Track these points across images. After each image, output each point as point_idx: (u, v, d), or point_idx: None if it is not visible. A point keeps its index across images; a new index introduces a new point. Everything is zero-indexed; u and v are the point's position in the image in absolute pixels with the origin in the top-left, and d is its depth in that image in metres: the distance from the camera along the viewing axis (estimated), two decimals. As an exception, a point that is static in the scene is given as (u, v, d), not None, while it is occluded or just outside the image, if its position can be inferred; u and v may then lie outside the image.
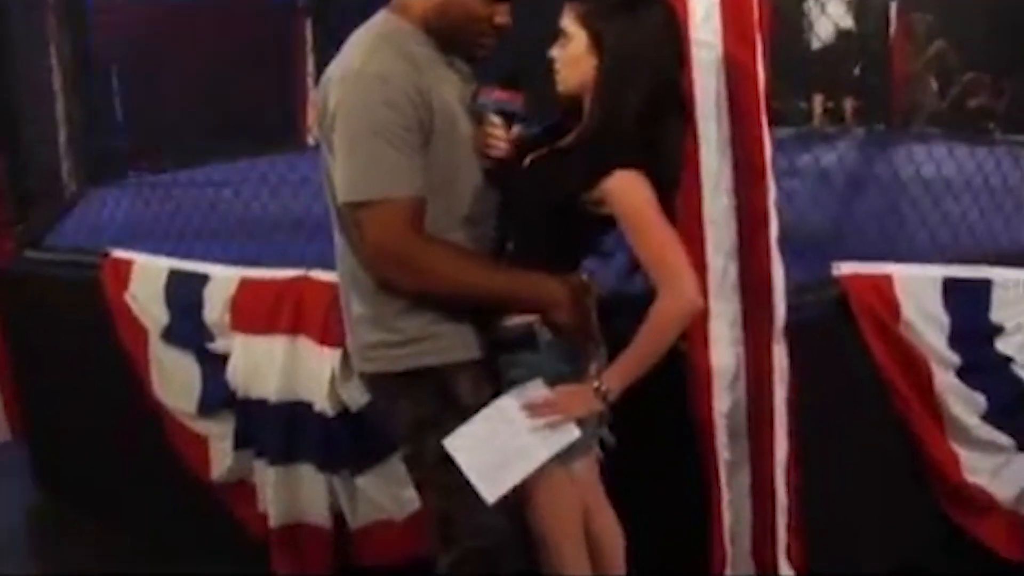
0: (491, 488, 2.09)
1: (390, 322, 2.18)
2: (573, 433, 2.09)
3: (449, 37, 2.18)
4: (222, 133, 7.68)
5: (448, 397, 2.17)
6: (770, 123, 2.44)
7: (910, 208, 3.52)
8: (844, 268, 2.87)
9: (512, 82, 2.23)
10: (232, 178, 5.29)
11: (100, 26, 6.98)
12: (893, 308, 2.84)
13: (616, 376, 2.08)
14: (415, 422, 2.21)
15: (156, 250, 3.73)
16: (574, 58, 2.11)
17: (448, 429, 2.13)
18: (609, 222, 2.09)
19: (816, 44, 8.00)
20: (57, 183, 6.15)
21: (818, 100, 8.47)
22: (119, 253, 3.73)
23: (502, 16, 2.17)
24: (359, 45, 2.13)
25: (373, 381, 2.31)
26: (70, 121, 6.25)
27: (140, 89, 7.99)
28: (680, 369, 2.47)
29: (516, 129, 2.24)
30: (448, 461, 2.11)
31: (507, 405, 2.12)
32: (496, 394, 2.17)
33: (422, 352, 2.17)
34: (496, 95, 2.21)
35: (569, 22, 2.11)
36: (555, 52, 2.14)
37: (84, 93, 6.37)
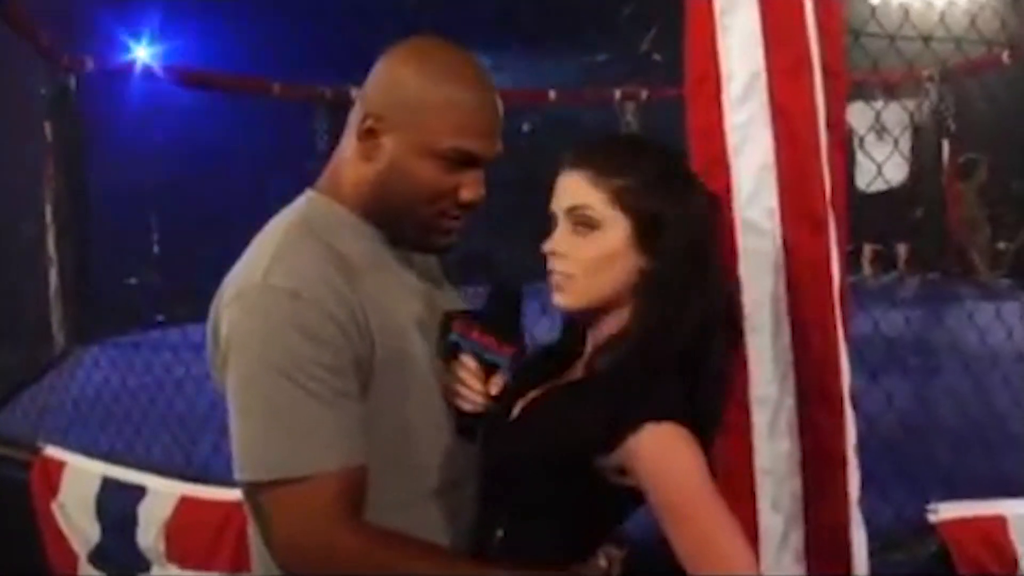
0: None
1: None
2: None
3: (397, 222, 1.53)
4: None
5: None
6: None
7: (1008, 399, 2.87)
8: (943, 511, 2.20)
9: (503, 319, 1.56)
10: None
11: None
12: (1008, 559, 2.20)
13: None
14: None
15: (97, 442, 3.39)
16: (609, 258, 1.44)
17: None
18: (639, 496, 1.42)
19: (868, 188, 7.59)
20: (47, 337, 5.95)
21: (868, 248, 8.00)
22: (51, 451, 3.29)
23: (471, 189, 1.51)
24: (268, 241, 1.49)
25: None
26: (62, 274, 6.03)
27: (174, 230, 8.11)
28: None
29: (497, 382, 1.54)
30: None
31: None
32: None
33: None
34: (477, 336, 1.52)
35: (597, 203, 1.43)
36: (563, 247, 1.46)
37: (81, 248, 6.15)
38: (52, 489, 3.16)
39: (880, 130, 6.90)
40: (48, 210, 6.04)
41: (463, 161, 1.48)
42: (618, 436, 1.33)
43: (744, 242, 1.72)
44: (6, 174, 5.80)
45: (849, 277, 5.36)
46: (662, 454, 1.32)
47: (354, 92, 8.07)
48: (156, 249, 8.53)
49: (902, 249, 8.10)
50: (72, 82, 6.13)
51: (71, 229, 6.12)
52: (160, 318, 6.91)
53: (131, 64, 7.33)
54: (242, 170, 7.93)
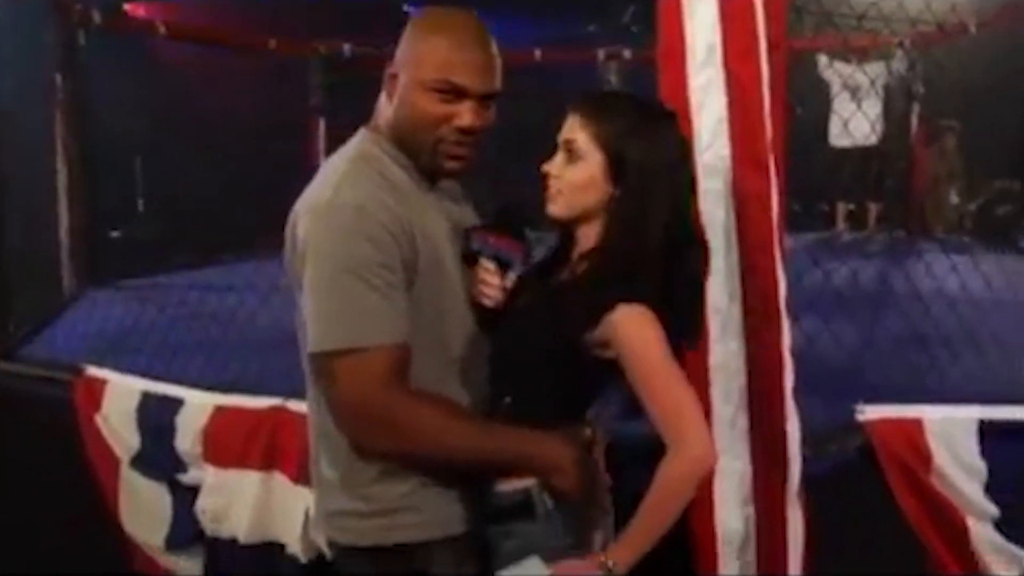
0: None
1: (363, 489, 1.89)
2: None
3: (412, 148, 1.92)
4: (238, 229, 7.64)
5: None
6: (790, 230, 2.22)
7: (939, 335, 3.27)
8: (869, 412, 2.61)
9: (511, 227, 1.98)
10: (227, 283, 5.16)
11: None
12: (924, 456, 2.58)
13: (624, 550, 1.79)
14: None
15: (135, 364, 3.62)
16: (587, 182, 1.86)
17: None
18: (616, 368, 1.83)
19: (839, 146, 7.92)
20: (57, 281, 6.12)
21: (841, 206, 8.35)
22: (93, 371, 3.58)
23: (466, 117, 1.88)
24: (333, 170, 1.89)
25: (340, 552, 2.00)
26: (72, 219, 6.19)
27: (161, 182, 8.09)
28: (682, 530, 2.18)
29: (511, 278, 1.96)
30: None
31: None
32: (483, 570, 1.89)
33: (395, 526, 1.88)
34: (493, 241, 1.95)
35: (582, 140, 1.85)
36: (556, 170, 1.87)
37: (90, 190, 6.34)
38: (95, 404, 3.43)
39: (854, 90, 7.31)
40: (59, 159, 6.27)
41: (454, 93, 1.86)
42: (599, 315, 1.76)
43: (703, 182, 2.12)
44: (20, 127, 6.06)
45: (824, 233, 5.81)
46: (631, 326, 1.76)
47: (347, 48, 8.38)
48: (140, 205, 8.75)
49: (873, 208, 8.47)
50: (81, 36, 6.34)
51: (81, 178, 6.34)
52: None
53: (131, 18, 7.59)
54: (238, 128, 8.11)
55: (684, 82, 2.12)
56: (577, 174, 1.85)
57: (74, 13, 6.17)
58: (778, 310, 2.16)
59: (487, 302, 1.95)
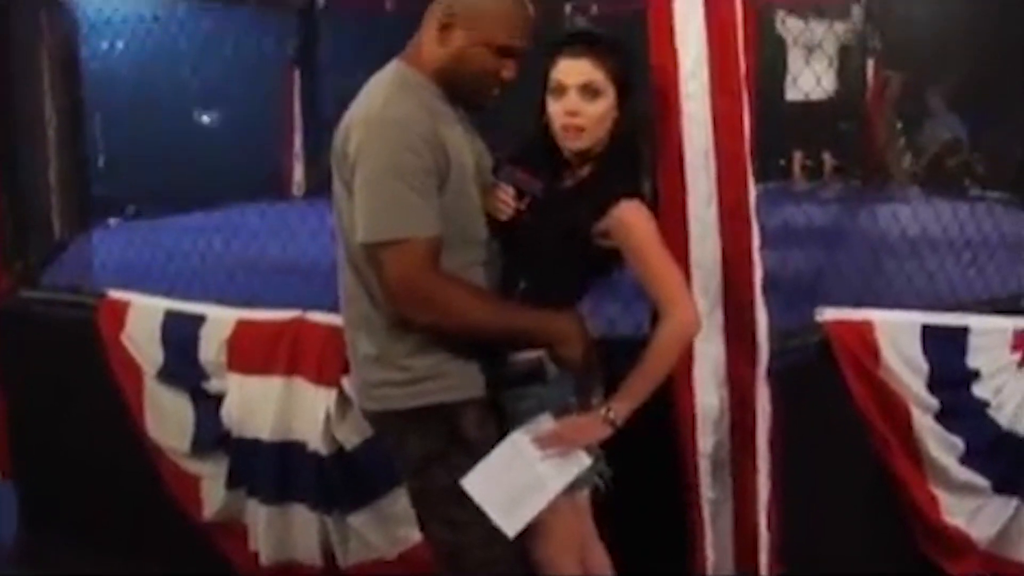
0: (510, 522, 2.19)
1: (399, 361, 2.25)
2: (584, 461, 2.22)
3: (460, 89, 2.27)
4: (206, 181, 7.77)
5: (455, 433, 2.25)
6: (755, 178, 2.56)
7: (891, 260, 3.64)
8: (827, 314, 2.97)
9: (534, 167, 2.32)
10: (219, 225, 5.37)
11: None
12: (874, 353, 2.94)
13: (622, 402, 2.20)
14: (422, 458, 2.28)
15: (151, 294, 3.76)
16: (606, 114, 2.25)
17: (455, 463, 2.22)
18: (614, 256, 2.22)
19: (795, 100, 8.20)
20: (48, 228, 6.22)
21: (797, 157, 8.68)
22: (115, 294, 3.76)
23: (509, 71, 2.27)
24: (378, 91, 2.23)
25: (379, 419, 2.37)
26: (62, 166, 6.31)
27: (123, 135, 8.10)
28: (666, 409, 2.55)
29: (526, 201, 2.31)
30: (456, 496, 2.21)
31: (519, 439, 2.23)
32: (501, 428, 2.27)
33: (429, 391, 2.24)
34: (519, 174, 2.31)
35: (600, 79, 2.22)
36: (578, 107, 2.22)
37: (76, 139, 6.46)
38: (119, 324, 3.58)
39: (810, 47, 7.58)
40: (48, 107, 6.40)
41: (508, 52, 2.23)
42: (605, 208, 2.15)
43: (685, 107, 2.49)
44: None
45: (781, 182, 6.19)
46: (632, 216, 2.17)
47: (322, 2, 8.57)
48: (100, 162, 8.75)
49: (827, 158, 8.83)
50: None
51: (68, 125, 6.47)
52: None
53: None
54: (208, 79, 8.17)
55: (671, 23, 2.47)
56: (598, 109, 2.23)
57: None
58: (748, 216, 2.52)
59: (502, 216, 2.31)
